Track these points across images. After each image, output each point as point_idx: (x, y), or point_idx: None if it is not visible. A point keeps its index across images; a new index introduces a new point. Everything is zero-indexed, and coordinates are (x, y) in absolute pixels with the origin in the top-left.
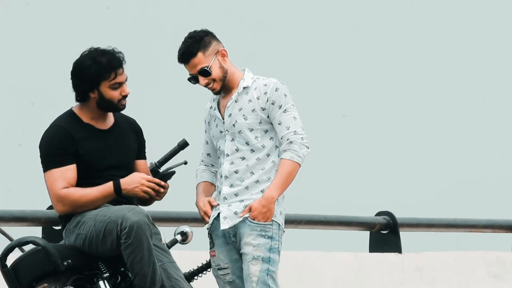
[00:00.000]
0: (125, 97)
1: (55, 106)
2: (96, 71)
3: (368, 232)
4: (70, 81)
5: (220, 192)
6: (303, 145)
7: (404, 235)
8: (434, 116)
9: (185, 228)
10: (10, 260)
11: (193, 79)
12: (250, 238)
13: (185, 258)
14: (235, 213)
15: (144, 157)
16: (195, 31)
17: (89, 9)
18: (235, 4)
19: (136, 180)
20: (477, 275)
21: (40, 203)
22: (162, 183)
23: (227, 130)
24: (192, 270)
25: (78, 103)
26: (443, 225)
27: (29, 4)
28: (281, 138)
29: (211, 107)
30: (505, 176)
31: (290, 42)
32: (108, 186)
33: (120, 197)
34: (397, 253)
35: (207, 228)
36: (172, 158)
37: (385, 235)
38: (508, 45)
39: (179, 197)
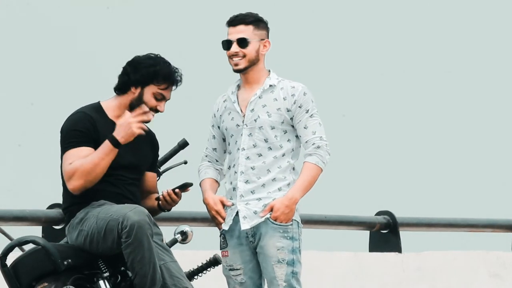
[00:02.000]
0: (157, 111)
1: (55, 106)
2: (153, 72)
3: (368, 232)
4: (122, 69)
5: (234, 188)
6: (327, 152)
7: (404, 235)
8: (434, 116)
9: (185, 227)
10: (10, 259)
11: (227, 43)
12: (273, 239)
13: (185, 257)
14: (255, 212)
15: (155, 171)
16: (255, 14)
17: (89, 9)
18: (235, 4)
19: (124, 124)
20: (477, 275)
21: (40, 202)
22: (174, 196)
23: (246, 124)
24: (192, 269)
25: (108, 98)
26: (443, 224)
27: (30, 4)
28: (306, 142)
29: (225, 100)
30: (505, 176)
31: (289, 42)
32: (105, 144)
33: (120, 148)
34: (397, 253)
35: (220, 229)
36: (172, 158)
37: (385, 234)
38: (508, 45)
39: None
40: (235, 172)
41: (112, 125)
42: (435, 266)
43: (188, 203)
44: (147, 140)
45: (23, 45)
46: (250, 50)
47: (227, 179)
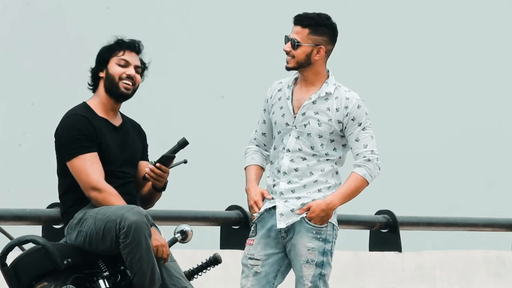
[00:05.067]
0: (129, 77)
1: (55, 106)
2: (107, 47)
3: (368, 231)
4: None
5: (275, 185)
6: (377, 166)
7: (404, 234)
8: (434, 114)
9: (185, 227)
10: (10, 259)
11: (286, 38)
12: (305, 239)
13: (185, 256)
14: (292, 210)
15: (146, 159)
16: (326, 17)
17: (89, 9)
18: (229, 4)
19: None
20: (477, 274)
21: (40, 202)
22: (163, 167)
23: (295, 126)
24: (192, 268)
25: (90, 97)
26: (443, 224)
27: (29, 4)
28: (357, 154)
29: (280, 90)
30: (505, 175)
31: None
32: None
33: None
34: (397, 252)
35: (253, 217)
36: None
37: (385, 233)
38: (508, 45)
39: (179, 196)
40: (278, 171)
41: (103, 122)
42: (435, 265)
43: (188, 202)
44: (135, 131)
45: (23, 45)
46: (299, 53)
47: (269, 174)
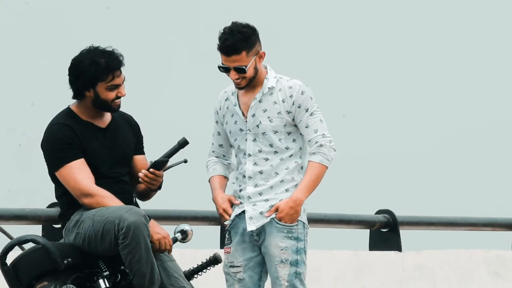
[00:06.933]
0: (120, 97)
1: (55, 106)
2: (93, 72)
3: (368, 230)
4: (67, 77)
5: (241, 190)
6: (331, 148)
7: (404, 233)
8: (434, 114)
9: (185, 226)
10: (10, 258)
11: (226, 70)
12: (277, 240)
13: (185, 256)
14: (261, 213)
15: (142, 153)
16: (243, 26)
17: (89, 9)
18: (234, 4)
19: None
20: (477, 274)
21: (40, 202)
22: (157, 172)
23: (249, 129)
24: (192, 268)
25: (75, 100)
26: (443, 223)
27: (29, 3)
28: (309, 141)
29: (226, 99)
30: (505, 175)
31: (289, 41)
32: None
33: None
34: (397, 251)
35: (226, 225)
36: (172, 157)
37: (385, 233)
38: (508, 45)
39: (178, 195)
40: (244, 177)
41: (87, 126)
42: (435, 265)
43: (188, 202)
44: (127, 126)
45: (23, 45)
46: (249, 73)
47: (234, 181)
